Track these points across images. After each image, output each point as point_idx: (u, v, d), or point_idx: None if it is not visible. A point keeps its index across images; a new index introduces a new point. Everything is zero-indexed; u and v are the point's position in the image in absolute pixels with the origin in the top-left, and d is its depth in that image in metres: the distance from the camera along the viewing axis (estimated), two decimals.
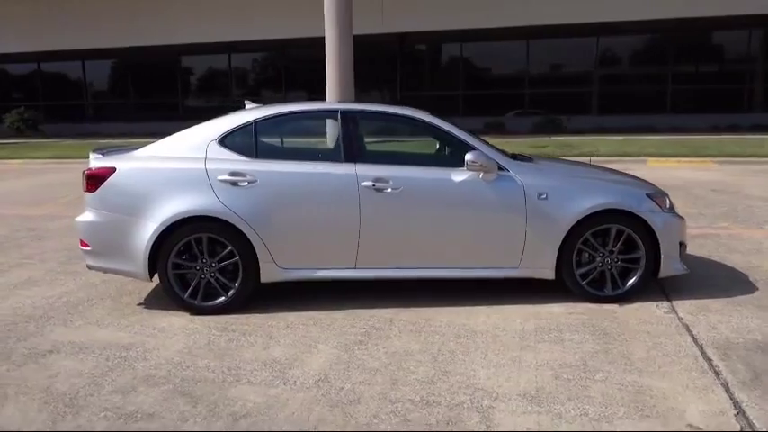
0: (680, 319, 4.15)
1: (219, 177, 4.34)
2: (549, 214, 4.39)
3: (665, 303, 4.45)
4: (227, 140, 4.48)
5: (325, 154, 4.57)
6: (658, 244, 4.44)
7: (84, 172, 4.49)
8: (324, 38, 15.25)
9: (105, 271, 4.64)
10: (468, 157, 4.31)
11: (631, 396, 3.10)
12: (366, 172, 4.37)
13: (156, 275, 4.41)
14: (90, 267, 4.61)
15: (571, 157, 12.32)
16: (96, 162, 4.47)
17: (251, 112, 4.65)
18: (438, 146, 4.90)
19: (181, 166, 4.40)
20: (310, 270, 4.44)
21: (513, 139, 16.73)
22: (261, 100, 22.22)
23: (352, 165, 4.41)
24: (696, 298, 4.52)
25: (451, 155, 4.58)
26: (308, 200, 4.37)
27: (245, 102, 5.25)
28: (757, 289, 4.72)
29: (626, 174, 5.11)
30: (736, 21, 17.74)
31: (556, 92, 20.08)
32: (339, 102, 4.82)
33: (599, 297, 4.47)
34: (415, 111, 4.68)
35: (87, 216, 4.47)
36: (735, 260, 5.51)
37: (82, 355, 3.74)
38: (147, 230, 4.31)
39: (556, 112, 19.25)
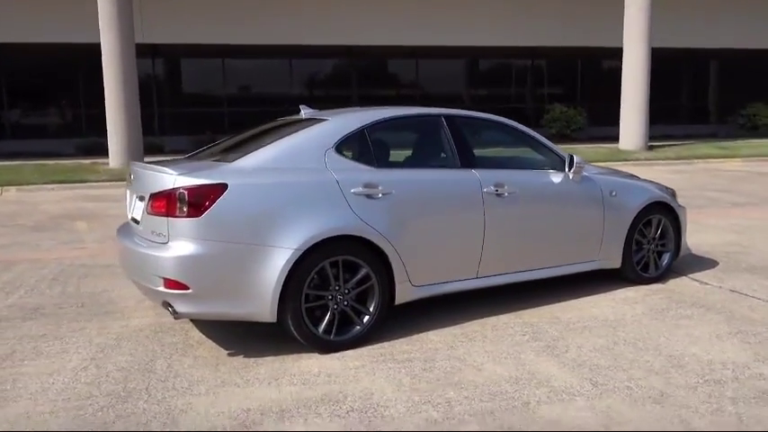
0: (720, 287, 5.01)
1: (353, 190, 3.78)
2: (618, 209, 4.86)
3: (687, 278, 5.28)
4: (342, 148, 3.91)
5: (441, 160, 4.30)
6: (680, 230, 5.27)
7: (173, 192, 3.44)
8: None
9: (203, 317, 3.64)
10: (576, 159, 4.54)
11: None
12: (486, 177, 4.27)
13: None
14: (179, 316, 3.55)
15: None
16: (192, 179, 3.47)
17: (353, 116, 4.12)
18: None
19: (308, 179, 3.70)
20: (439, 285, 4.14)
21: None
22: None
23: (471, 170, 4.26)
24: (699, 271, 5.45)
25: (538, 158, 4.72)
26: (441, 209, 4.09)
27: (301, 107, 4.58)
28: (721, 260, 5.87)
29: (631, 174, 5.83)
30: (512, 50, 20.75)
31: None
32: (438, 108, 4.57)
33: (648, 279, 5.09)
34: (506, 119, 4.71)
35: (184, 248, 3.43)
36: None
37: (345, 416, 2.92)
38: (279, 258, 3.52)
39: None
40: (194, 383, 3.35)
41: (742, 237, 6.92)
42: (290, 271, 3.53)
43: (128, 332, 4.19)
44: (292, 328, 3.62)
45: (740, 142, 18.69)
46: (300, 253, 3.55)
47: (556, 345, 3.82)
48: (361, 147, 4.03)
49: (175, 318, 3.58)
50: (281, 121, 4.63)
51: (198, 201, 3.42)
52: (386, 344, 3.86)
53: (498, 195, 4.27)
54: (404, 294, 3.97)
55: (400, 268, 3.90)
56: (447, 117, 4.37)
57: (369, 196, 3.82)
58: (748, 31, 22.29)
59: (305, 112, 4.51)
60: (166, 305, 3.55)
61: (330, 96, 21.21)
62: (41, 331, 4.25)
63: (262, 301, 3.53)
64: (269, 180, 3.62)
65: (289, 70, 20.38)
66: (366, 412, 2.99)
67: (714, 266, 5.65)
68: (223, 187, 3.47)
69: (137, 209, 3.98)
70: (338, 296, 3.74)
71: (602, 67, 22.59)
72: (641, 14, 15.54)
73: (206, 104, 19.82)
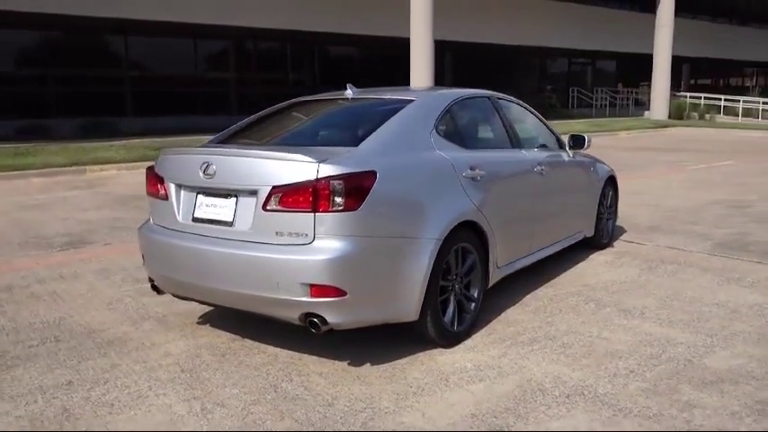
0: (657, 246, 5.88)
1: (463, 173, 3.61)
2: (594, 183, 5.42)
3: (622, 241, 6.09)
4: (439, 128, 3.69)
5: (499, 140, 4.25)
6: (617, 199, 6.06)
7: (321, 183, 2.91)
8: None
9: (352, 326, 3.15)
10: (587, 138, 4.90)
11: None
12: (532, 157, 4.40)
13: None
14: (327, 328, 3.02)
15: None
16: (340, 167, 2.96)
17: (431, 96, 3.91)
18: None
19: (430, 162, 3.46)
20: (511, 264, 4.19)
21: (71, 144, 14.26)
22: None
23: (521, 150, 4.35)
24: (620, 235, 6.32)
25: (545, 138, 4.98)
26: (515, 189, 4.17)
27: (348, 86, 4.10)
28: (621, 224, 6.83)
29: None
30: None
31: (99, 92, 17.96)
32: (481, 90, 4.49)
33: (604, 244, 5.76)
34: (522, 102, 4.84)
35: (340, 247, 2.94)
36: None
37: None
38: (425, 250, 3.24)
39: (100, 113, 17.32)
40: (368, 401, 2.93)
41: None
42: (435, 262, 3.27)
43: (184, 360, 3.41)
44: (429, 324, 3.36)
45: None
46: (441, 243, 3.30)
47: (625, 309, 4.16)
48: (449, 127, 3.84)
49: (319, 332, 3.03)
50: (314, 98, 4.17)
51: (355, 192, 2.96)
52: (486, 329, 3.80)
53: (541, 174, 4.46)
54: (493, 278, 3.94)
55: (494, 251, 3.86)
56: (491, 99, 4.40)
57: (473, 179, 3.69)
58: (478, 28, 25.42)
59: (351, 91, 4.10)
60: (307, 318, 3.01)
61: (101, 77, 18.63)
62: (58, 379, 3.23)
63: (410, 299, 3.21)
64: (406, 164, 3.30)
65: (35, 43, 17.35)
66: (584, 394, 2.97)
67: (624, 231, 6.58)
68: (374, 175, 3.05)
69: (211, 206, 3.27)
70: (456, 285, 3.57)
71: (386, 55, 23.66)
72: (426, 7, 16.78)
73: None
